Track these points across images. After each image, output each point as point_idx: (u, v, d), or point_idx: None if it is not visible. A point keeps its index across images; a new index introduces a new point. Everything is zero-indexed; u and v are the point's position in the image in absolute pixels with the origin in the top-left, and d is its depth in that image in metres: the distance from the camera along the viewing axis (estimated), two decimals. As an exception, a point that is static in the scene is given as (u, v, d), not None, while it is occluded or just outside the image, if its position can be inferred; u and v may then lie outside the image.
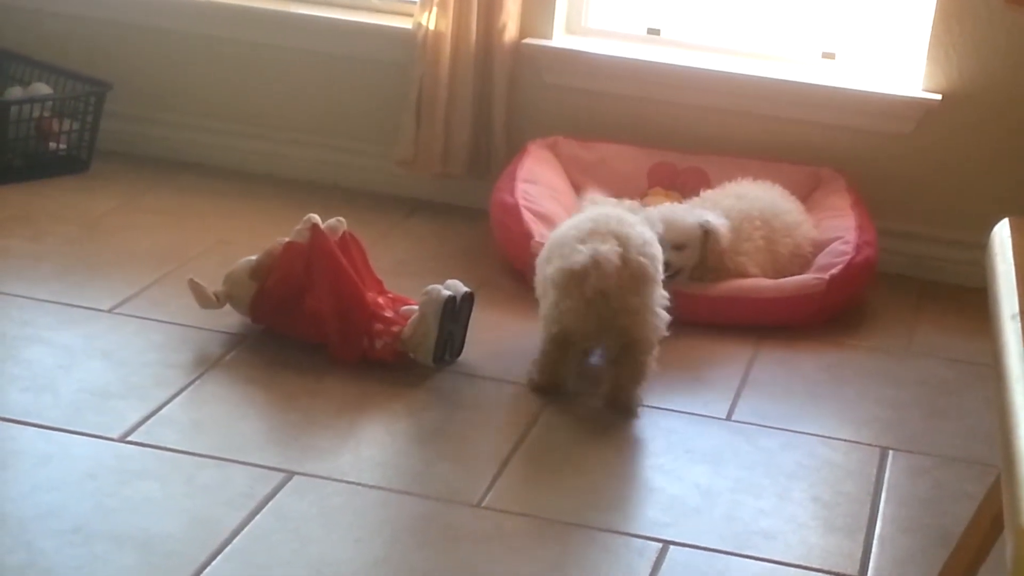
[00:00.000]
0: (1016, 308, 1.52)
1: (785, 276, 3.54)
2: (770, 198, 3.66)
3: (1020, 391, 1.32)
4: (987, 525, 2.18)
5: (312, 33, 4.16)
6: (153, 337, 3.15)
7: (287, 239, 3.21)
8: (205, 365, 3.04)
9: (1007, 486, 1.18)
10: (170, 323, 3.21)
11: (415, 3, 4.01)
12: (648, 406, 3.02)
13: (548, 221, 3.61)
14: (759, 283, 3.51)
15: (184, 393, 2.91)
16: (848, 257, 3.52)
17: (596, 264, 2.87)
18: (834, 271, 3.49)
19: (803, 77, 3.94)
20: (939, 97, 3.83)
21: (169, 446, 2.70)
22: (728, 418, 3.01)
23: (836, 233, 3.63)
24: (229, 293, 3.22)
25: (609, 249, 2.90)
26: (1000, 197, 3.78)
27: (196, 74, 4.26)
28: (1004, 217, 1.89)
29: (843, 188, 3.80)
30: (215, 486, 2.58)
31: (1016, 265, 1.64)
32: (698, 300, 3.44)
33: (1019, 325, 1.48)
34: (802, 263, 3.60)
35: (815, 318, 3.47)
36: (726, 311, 3.47)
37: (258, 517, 2.49)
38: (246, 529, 2.44)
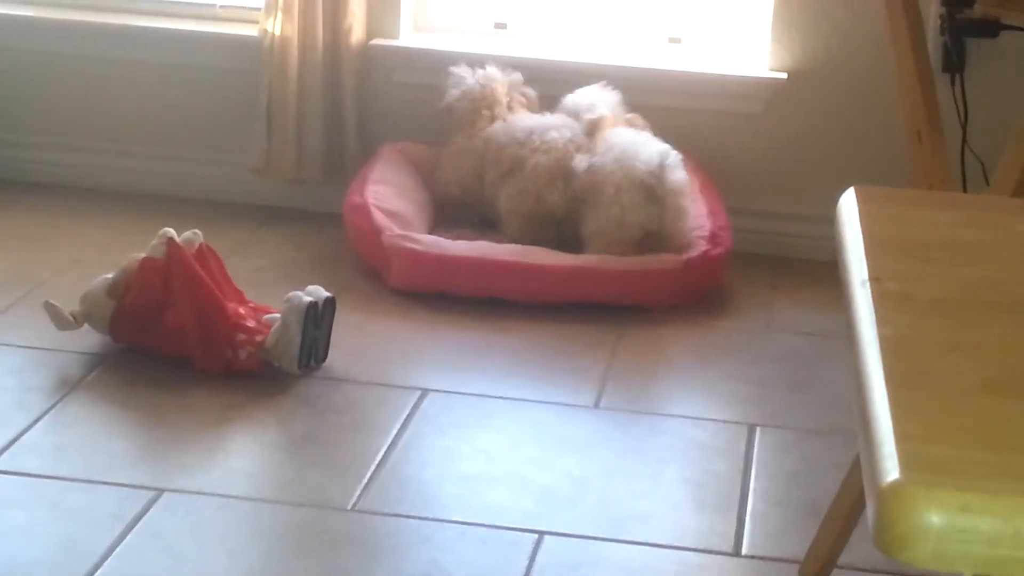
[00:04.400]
0: (865, 274, 1.54)
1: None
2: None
3: (872, 355, 1.34)
4: (855, 493, 2.21)
5: (156, 44, 4.11)
6: (10, 362, 3.09)
7: (143, 255, 3.17)
8: (66, 387, 2.99)
9: (863, 450, 1.20)
10: (27, 347, 3.15)
11: (259, 10, 3.98)
12: (515, 398, 3.03)
13: (399, 219, 3.62)
14: (613, 258, 3.53)
15: (46, 417, 2.86)
16: (704, 249, 3.56)
17: None
18: (690, 255, 3.53)
19: (651, 63, 3.97)
20: (785, 76, 3.88)
21: (33, 472, 2.65)
22: (596, 406, 3.02)
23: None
24: (87, 312, 3.17)
25: None
26: (848, 171, 3.83)
27: (38, 92, 4.19)
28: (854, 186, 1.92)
29: (691, 170, 3.82)
30: (83, 509, 2.54)
31: (863, 232, 1.66)
32: (550, 272, 3.47)
33: (869, 291, 1.50)
34: None
35: (674, 299, 3.50)
36: (582, 285, 3.48)
37: (129, 537, 2.45)
38: (117, 550, 2.41)
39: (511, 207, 3.71)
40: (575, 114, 3.77)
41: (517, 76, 3.90)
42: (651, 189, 3.52)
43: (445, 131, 3.91)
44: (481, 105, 3.82)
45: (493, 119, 3.82)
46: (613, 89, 3.83)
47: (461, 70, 3.87)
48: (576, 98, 3.82)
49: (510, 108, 3.85)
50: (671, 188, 3.54)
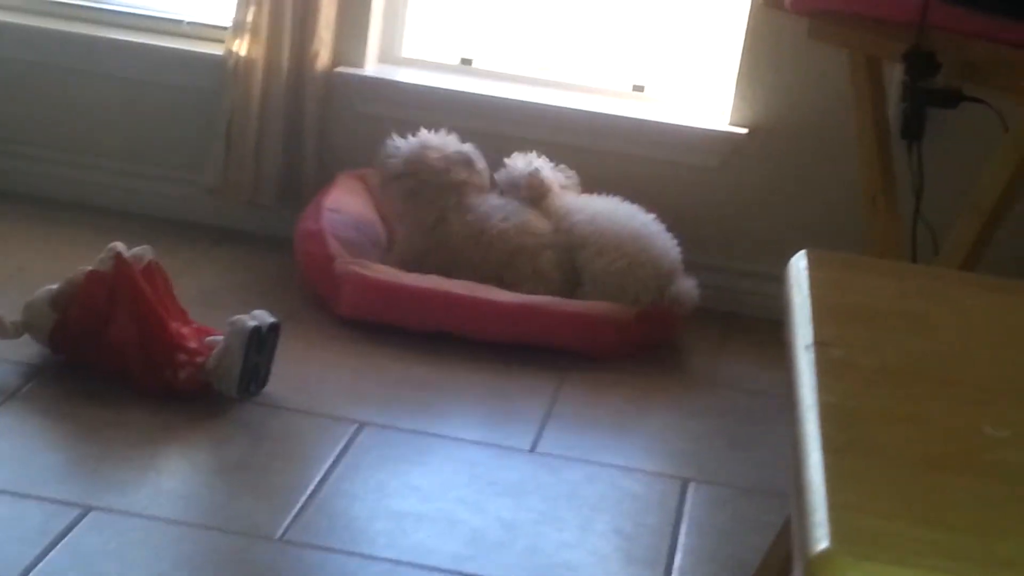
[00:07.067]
0: (810, 339, 1.53)
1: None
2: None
3: (811, 420, 1.33)
4: (783, 556, 2.20)
5: (119, 58, 4.08)
6: (-54, 369, 3.05)
7: (89, 267, 3.14)
8: (1, 397, 2.95)
9: (795, 516, 1.19)
10: (-36, 354, 3.12)
11: (227, 29, 3.96)
12: (452, 437, 3.01)
13: (352, 247, 3.60)
14: (563, 300, 3.54)
15: (-23, 426, 2.82)
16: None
17: None
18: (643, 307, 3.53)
19: (613, 109, 3.97)
20: (745, 131, 3.89)
21: (-41, 482, 2.62)
22: (532, 450, 3.00)
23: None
24: (28, 322, 3.13)
25: None
26: (802, 230, 3.84)
27: (-3, 98, 4.16)
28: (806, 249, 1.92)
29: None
30: (8, 523, 2.49)
31: (811, 296, 1.65)
32: (498, 308, 3.45)
33: (813, 356, 1.49)
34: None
35: (622, 350, 3.49)
36: (530, 324, 3.47)
37: (52, 554, 2.41)
38: (38, 567, 2.37)
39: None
40: (514, 182, 3.76)
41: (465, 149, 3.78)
42: (665, 273, 3.62)
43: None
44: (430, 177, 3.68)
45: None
46: (543, 158, 3.82)
47: (398, 141, 3.75)
48: (513, 165, 3.80)
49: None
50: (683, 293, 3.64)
